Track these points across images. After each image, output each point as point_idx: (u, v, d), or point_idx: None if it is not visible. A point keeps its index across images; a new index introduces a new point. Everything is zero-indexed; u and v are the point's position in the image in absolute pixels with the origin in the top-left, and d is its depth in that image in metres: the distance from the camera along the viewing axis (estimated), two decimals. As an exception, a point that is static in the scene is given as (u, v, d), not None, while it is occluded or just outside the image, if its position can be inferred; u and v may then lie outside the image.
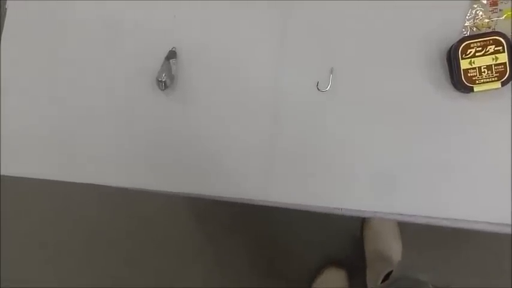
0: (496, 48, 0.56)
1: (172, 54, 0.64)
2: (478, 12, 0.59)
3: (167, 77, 0.63)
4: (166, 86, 0.63)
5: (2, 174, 0.66)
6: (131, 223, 1.42)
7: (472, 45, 0.56)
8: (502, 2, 0.58)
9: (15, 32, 0.68)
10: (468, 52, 0.56)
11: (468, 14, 0.59)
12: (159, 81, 0.63)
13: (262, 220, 1.34)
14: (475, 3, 0.59)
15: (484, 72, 0.56)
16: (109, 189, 0.65)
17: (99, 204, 1.44)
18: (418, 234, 1.26)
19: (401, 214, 0.60)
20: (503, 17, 0.57)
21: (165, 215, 1.40)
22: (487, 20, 0.58)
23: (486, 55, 0.56)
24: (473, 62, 0.56)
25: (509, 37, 0.56)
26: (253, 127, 0.62)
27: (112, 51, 0.66)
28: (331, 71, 0.61)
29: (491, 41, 0.56)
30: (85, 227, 1.45)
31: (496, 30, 0.57)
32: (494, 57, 0.56)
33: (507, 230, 0.58)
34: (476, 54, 0.56)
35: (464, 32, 0.59)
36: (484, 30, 0.58)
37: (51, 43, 0.67)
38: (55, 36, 0.68)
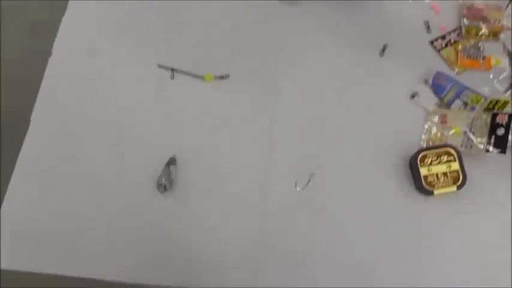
0: (448, 158, 0.66)
1: (172, 161, 0.73)
2: (431, 128, 0.70)
3: (167, 181, 0.71)
4: (165, 189, 0.71)
5: (2, 268, 0.70)
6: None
7: (428, 155, 0.66)
8: (450, 120, 0.69)
9: (37, 135, 0.77)
10: (426, 161, 0.66)
11: (424, 130, 0.70)
12: (159, 185, 0.71)
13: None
14: (429, 121, 0.70)
15: (441, 178, 0.66)
16: (108, 285, 0.68)
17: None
18: None
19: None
20: (452, 132, 0.69)
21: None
22: (439, 135, 0.69)
23: (441, 163, 0.66)
24: (431, 169, 0.66)
25: (459, 148, 0.66)
26: (244, 225, 0.68)
27: (118, 156, 0.75)
28: (311, 175, 0.70)
29: (444, 152, 0.66)
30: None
31: (447, 143, 0.68)
32: (448, 165, 0.66)
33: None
34: (433, 162, 0.66)
35: (422, 144, 0.69)
36: (438, 143, 0.69)
37: (63, 145, 0.76)
38: (68, 139, 0.77)
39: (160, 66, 0.81)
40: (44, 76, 0.82)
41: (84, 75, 0.81)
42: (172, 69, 0.80)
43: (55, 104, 0.80)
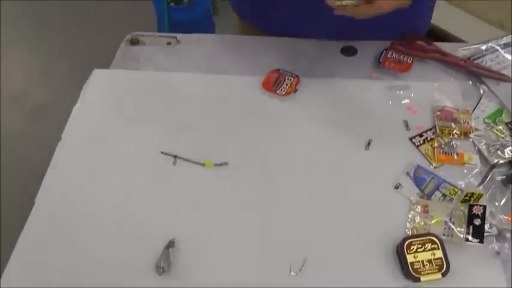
0: (432, 246, 0.71)
1: (171, 244, 0.76)
2: (415, 217, 0.76)
3: (165, 263, 0.73)
4: (164, 271, 0.73)
5: None
6: None
7: (413, 243, 0.71)
8: (431, 210, 0.76)
9: (39, 216, 0.80)
10: (412, 248, 0.71)
11: (409, 219, 0.76)
12: (158, 267, 0.73)
13: None
14: (412, 210, 0.77)
15: (427, 265, 0.70)
16: None
17: None
18: None
19: None
20: (434, 221, 0.75)
21: None
22: (422, 223, 0.75)
23: (426, 251, 0.71)
24: (417, 257, 0.70)
25: (441, 237, 0.72)
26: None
27: (118, 240, 0.77)
28: (304, 260, 0.73)
29: (427, 240, 0.71)
30: None
31: (430, 231, 0.73)
32: (432, 253, 0.71)
33: None
34: (418, 250, 0.71)
35: (408, 232, 0.75)
36: (422, 231, 0.74)
37: (64, 226, 0.79)
38: (70, 221, 0.79)
39: (163, 153, 0.87)
40: (52, 160, 0.87)
41: (90, 161, 0.87)
42: (175, 156, 0.86)
43: (60, 186, 0.84)
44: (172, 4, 2.21)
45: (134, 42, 1.07)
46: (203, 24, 2.31)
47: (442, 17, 2.29)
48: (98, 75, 1.00)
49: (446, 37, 2.37)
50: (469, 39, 2.36)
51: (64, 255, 0.76)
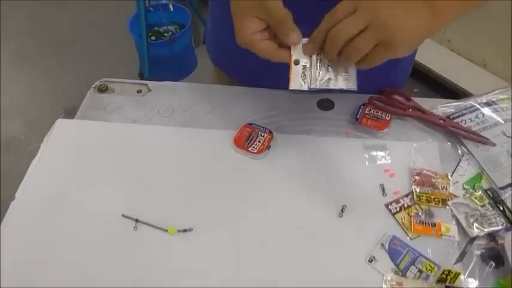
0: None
1: None
2: None
3: None
4: None
5: None
6: None
7: None
8: (406, 289, 0.71)
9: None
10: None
11: None
12: None
13: None
14: (386, 288, 0.72)
15: None
16: None
17: None
18: None
19: None
20: None
21: None
22: None
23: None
24: None
25: None
26: None
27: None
28: None
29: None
30: None
31: None
32: None
33: None
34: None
35: None
36: None
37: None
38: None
39: (124, 216, 0.81)
40: (4, 219, 0.81)
41: (46, 221, 0.81)
42: (137, 220, 0.81)
43: (11, 249, 0.77)
44: (153, 38, 2.16)
45: (102, 89, 1.02)
46: (184, 59, 2.26)
47: (425, 54, 2.31)
48: (61, 125, 0.95)
49: (428, 73, 2.37)
50: (450, 77, 2.38)
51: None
